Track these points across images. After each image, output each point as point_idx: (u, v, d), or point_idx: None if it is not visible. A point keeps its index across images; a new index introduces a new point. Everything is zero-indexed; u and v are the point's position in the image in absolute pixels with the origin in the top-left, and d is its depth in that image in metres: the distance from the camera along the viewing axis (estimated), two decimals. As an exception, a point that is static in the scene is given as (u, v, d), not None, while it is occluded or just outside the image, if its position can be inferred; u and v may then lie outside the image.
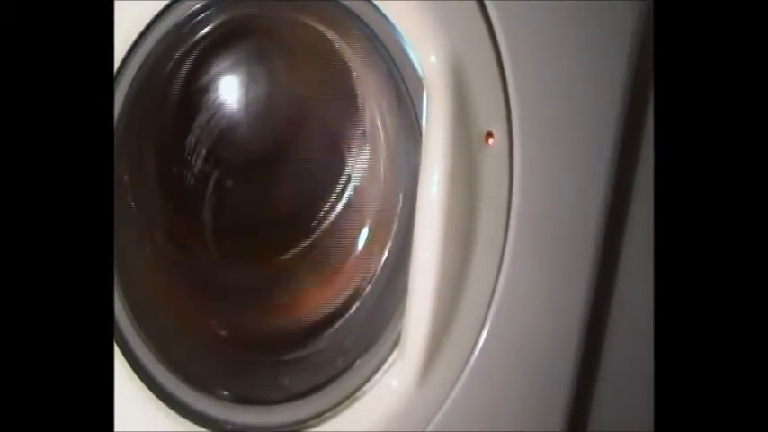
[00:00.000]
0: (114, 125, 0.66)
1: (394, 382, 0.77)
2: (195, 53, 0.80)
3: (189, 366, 0.77)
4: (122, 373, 0.70)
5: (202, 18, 0.72)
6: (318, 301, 0.89)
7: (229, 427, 0.77)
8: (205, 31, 0.77)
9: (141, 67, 0.66)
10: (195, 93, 0.83)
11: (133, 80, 0.66)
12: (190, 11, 0.67)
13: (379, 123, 0.85)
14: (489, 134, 0.70)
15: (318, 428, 0.78)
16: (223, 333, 0.87)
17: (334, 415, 0.78)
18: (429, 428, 0.78)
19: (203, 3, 0.67)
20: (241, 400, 0.79)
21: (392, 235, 0.85)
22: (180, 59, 0.79)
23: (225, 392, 0.79)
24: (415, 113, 0.73)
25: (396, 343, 0.77)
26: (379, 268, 0.86)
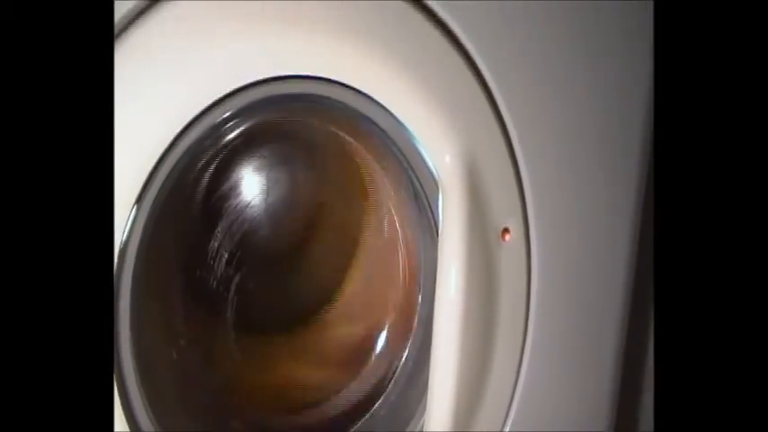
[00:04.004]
0: (142, 230, 0.68)
1: (418, 480, 0.76)
2: (218, 161, 0.82)
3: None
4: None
5: (226, 128, 0.75)
6: (342, 397, 0.88)
7: None
8: (228, 138, 0.79)
9: (168, 177, 0.68)
10: (218, 199, 0.85)
11: (161, 188, 0.68)
12: (214, 122, 0.69)
13: (397, 223, 0.86)
14: (506, 230, 0.71)
15: None
16: (245, 432, 0.86)
17: None
18: None
19: (227, 114, 0.69)
20: (265, 503, 0.78)
21: (413, 330, 0.85)
22: (202, 169, 0.81)
23: (249, 496, 0.78)
24: (432, 213, 0.74)
25: (420, 439, 0.76)
26: (401, 363, 0.86)
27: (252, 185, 0.87)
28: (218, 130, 0.72)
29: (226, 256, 0.86)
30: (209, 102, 0.66)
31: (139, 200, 0.66)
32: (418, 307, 0.84)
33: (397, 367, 0.87)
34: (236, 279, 0.87)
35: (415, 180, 0.75)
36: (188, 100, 0.66)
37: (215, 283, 0.86)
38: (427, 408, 0.74)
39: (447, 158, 0.69)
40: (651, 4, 0.70)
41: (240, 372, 0.90)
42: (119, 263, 0.67)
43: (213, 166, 0.82)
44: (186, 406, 0.83)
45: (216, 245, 0.85)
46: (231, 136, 0.78)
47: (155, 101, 0.65)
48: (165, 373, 0.81)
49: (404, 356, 0.86)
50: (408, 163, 0.74)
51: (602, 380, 0.78)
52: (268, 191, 0.87)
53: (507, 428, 0.76)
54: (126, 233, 0.67)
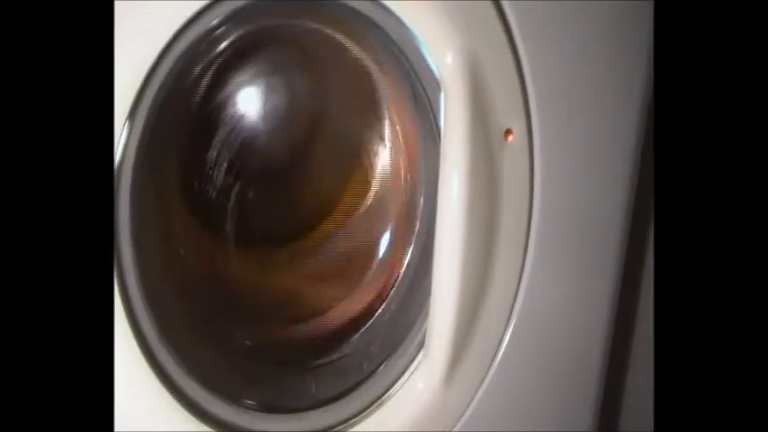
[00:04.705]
0: (137, 146, 0.67)
1: (420, 384, 0.77)
2: (213, 69, 0.81)
3: (216, 377, 0.78)
4: (150, 384, 0.71)
5: (220, 33, 0.73)
6: (344, 306, 0.89)
7: (257, 435, 0.77)
8: (222, 45, 0.77)
9: (161, 88, 0.67)
10: (215, 108, 0.84)
11: (153, 100, 0.67)
12: (207, 27, 0.68)
13: (398, 126, 0.86)
14: (508, 131, 0.71)
15: (346, 433, 0.78)
16: (249, 343, 0.87)
17: (362, 419, 0.78)
18: (456, 429, 0.78)
19: (220, 19, 0.68)
20: (268, 408, 0.79)
21: (414, 237, 0.85)
22: (199, 76, 0.79)
23: (252, 402, 0.79)
24: (434, 114, 0.73)
25: (421, 345, 0.77)
26: (402, 271, 0.87)
27: (249, 94, 0.86)
28: (210, 36, 0.70)
29: (225, 165, 0.85)
30: (200, 6, 0.65)
31: (132, 115, 0.65)
32: (420, 210, 0.84)
33: (398, 275, 0.87)
34: (236, 189, 0.87)
35: (416, 82, 0.74)
36: (178, 4, 0.64)
37: (214, 193, 0.86)
38: (429, 314, 0.75)
39: (449, 58, 0.68)
40: None
41: (241, 283, 0.90)
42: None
43: (210, 74, 0.81)
44: (190, 319, 0.83)
45: (214, 154, 0.85)
46: (225, 43, 0.77)
47: (141, 8, 0.63)
48: (167, 286, 0.81)
49: (405, 264, 0.87)
50: (409, 64, 0.72)
51: (603, 281, 0.78)
52: (267, 98, 0.86)
53: (509, 333, 0.77)
54: (120, 150, 0.66)
